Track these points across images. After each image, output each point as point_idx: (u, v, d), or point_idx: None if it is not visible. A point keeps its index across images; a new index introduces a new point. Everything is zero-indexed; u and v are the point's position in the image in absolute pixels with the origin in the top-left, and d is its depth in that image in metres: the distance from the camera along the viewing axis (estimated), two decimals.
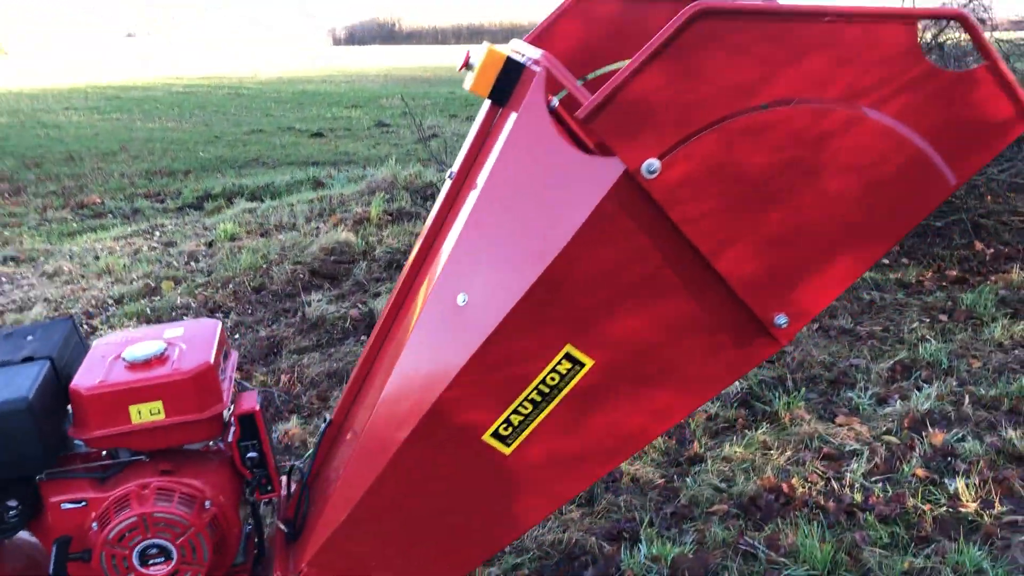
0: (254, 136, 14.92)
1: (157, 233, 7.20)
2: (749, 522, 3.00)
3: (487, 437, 1.61)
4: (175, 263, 6.15)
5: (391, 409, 1.65)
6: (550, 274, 1.47)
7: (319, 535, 1.69)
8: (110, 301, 5.42)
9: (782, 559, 2.76)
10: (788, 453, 3.41)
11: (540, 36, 1.94)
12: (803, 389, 3.94)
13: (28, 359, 1.65)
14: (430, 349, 1.63)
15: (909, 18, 1.43)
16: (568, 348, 1.55)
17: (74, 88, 28.57)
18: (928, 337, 4.50)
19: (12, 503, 1.59)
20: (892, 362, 4.22)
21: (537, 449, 1.63)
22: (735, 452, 3.41)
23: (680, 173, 1.41)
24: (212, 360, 1.64)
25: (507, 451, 1.62)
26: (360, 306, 5.14)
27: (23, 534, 1.74)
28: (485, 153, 1.74)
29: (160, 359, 1.64)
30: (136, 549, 1.59)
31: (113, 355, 1.67)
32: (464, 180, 1.80)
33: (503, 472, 1.64)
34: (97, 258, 6.26)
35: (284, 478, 1.96)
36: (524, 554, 2.84)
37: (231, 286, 5.55)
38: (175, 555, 1.60)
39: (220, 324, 1.83)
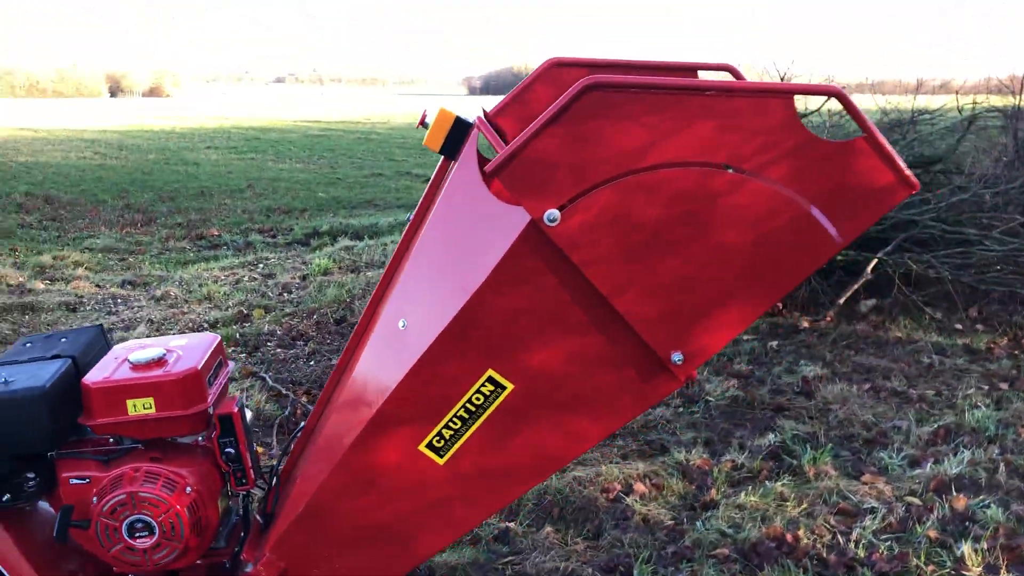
0: (372, 179, 15.66)
1: (261, 265, 7.75)
2: (746, 567, 3.08)
3: (423, 447, 1.83)
4: (270, 293, 6.64)
5: (341, 416, 1.90)
6: (471, 306, 1.70)
7: (279, 526, 1.95)
8: (205, 324, 5.91)
9: None
10: (803, 506, 3.46)
11: (515, 98, 2.18)
12: (831, 445, 3.97)
13: (56, 356, 1.98)
14: (375, 366, 1.88)
15: (786, 93, 1.60)
16: (490, 372, 1.76)
17: (219, 128, 30.55)
18: (980, 404, 4.43)
19: (30, 475, 1.91)
20: (936, 426, 4.20)
21: (467, 461, 1.84)
22: (750, 500, 3.49)
23: (579, 222, 1.62)
24: (199, 367, 1.93)
25: (441, 462, 1.84)
26: None
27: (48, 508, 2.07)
28: (435, 200, 1.99)
29: (158, 363, 1.94)
30: (125, 522, 1.88)
31: (123, 358, 1.98)
32: (419, 222, 2.05)
33: (438, 481, 1.86)
34: (201, 285, 6.81)
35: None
36: None
37: (315, 316, 5.96)
38: (157, 530, 1.88)
39: (219, 338, 2.12)
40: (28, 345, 2.09)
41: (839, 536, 3.25)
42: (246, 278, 7.18)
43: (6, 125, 31.36)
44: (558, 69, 2.19)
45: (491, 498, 1.89)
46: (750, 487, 3.62)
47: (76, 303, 6.56)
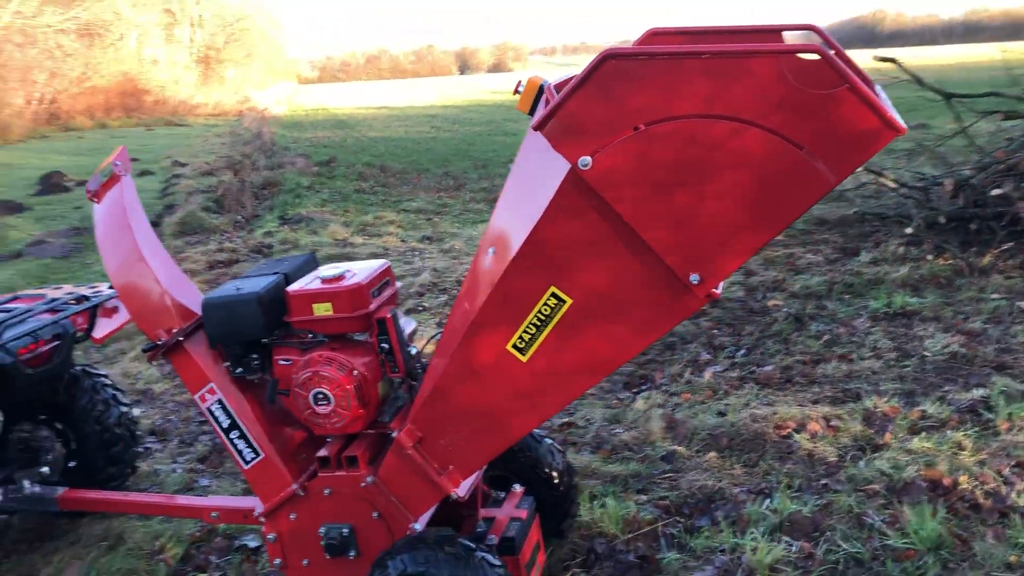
0: None
1: None
2: (887, 503, 3.22)
3: (509, 347, 2.33)
4: None
5: (457, 320, 2.46)
6: (533, 234, 2.17)
7: (416, 404, 2.56)
8: None
9: (889, 531, 3.00)
10: (978, 456, 3.47)
11: None
12: None
13: (275, 273, 2.73)
14: (477, 283, 2.41)
15: (772, 54, 1.89)
16: (553, 288, 2.22)
17: None
18: None
19: (255, 356, 2.68)
20: None
21: (542, 360, 2.31)
22: (922, 446, 3.56)
23: (606, 166, 2.03)
24: (365, 283, 2.58)
25: (523, 359, 2.33)
26: None
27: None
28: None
29: (338, 278, 2.61)
30: (311, 393, 2.58)
31: (318, 275, 2.68)
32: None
33: (521, 375, 2.35)
34: (476, 240, 7.71)
35: None
36: (675, 490, 3.41)
37: None
38: (332, 400, 2.56)
39: (387, 264, 2.76)
40: (263, 265, 2.88)
41: (1003, 486, 3.26)
42: None
43: (369, 104, 35.43)
44: (657, 37, 2.56)
45: (561, 392, 2.35)
46: (927, 434, 3.67)
47: (382, 254, 7.74)
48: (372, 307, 2.60)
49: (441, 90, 49.30)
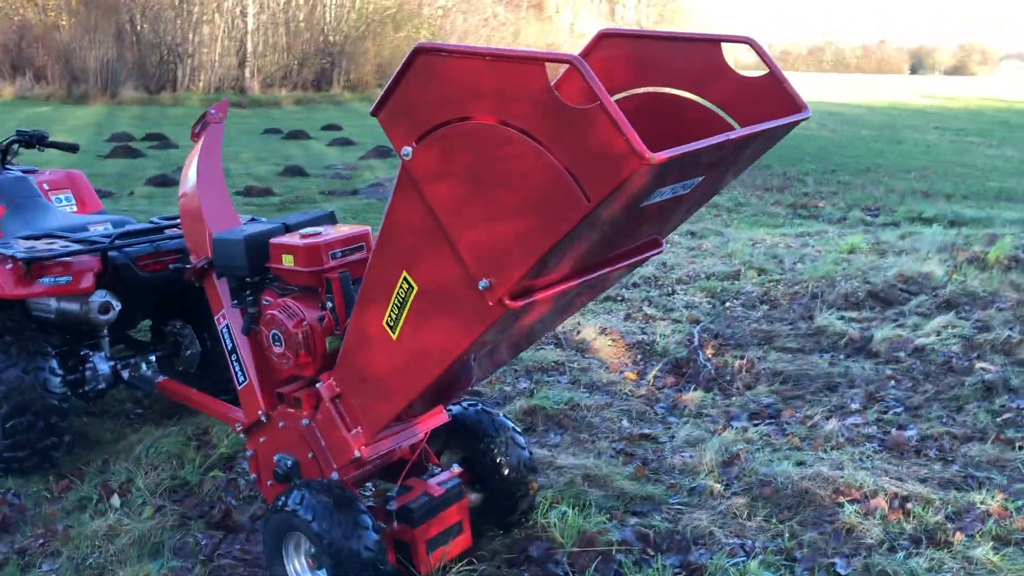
0: None
1: (813, 237, 7.94)
2: None
3: (384, 323, 2.43)
4: (778, 257, 6.93)
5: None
6: (386, 220, 2.25)
7: (336, 363, 2.74)
8: (701, 275, 6.57)
9: None
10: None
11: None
12: None
13: (280, 223, 3.04)
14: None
15: (539, 61, 1.78)
16: (404, 273, 2.28)
17: (977, 109, 28.91)
18: None
19: (248, 292, 3.02)
20: None
21: (406, 340, 2.38)
22: (990, 560, 2.96)
23: (420, 158, 2.05)
24: (323, 242, 2.79)
25: (394, 336, 2.42)
26: (862, 328, 5.27)
27: None
28: None
29: (311, 236, 2.86)
30: (270, 332, 2.87)
31: (306, 231, 2.95)
32: None
33: (394, 351, 2.43)
34: (728, 242, 7.41)
35: None
36: (669, 522, 3.21)
37: (795, 288, 6.14)
38: (282, 344, 2.83)
39: (367, 230, 2.93)
40: (289, 216, 3.22)
41: None
42: (781, 245, 7.52)
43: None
44: (605, 39, 2.43)
45: (421, 374, 2.39)
46: (1014, 550, 3.02)
47: None
48: (327, 266, 2.82)
49: (879, 87, 46.25)
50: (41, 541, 3.11)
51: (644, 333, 5.50)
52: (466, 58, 1.91)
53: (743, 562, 2.92)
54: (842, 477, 3.45)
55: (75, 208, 4.62)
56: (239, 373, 3.07)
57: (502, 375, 4.72)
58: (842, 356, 5.04)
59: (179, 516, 3.24)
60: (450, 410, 3.09)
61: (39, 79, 20.88)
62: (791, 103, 2.17)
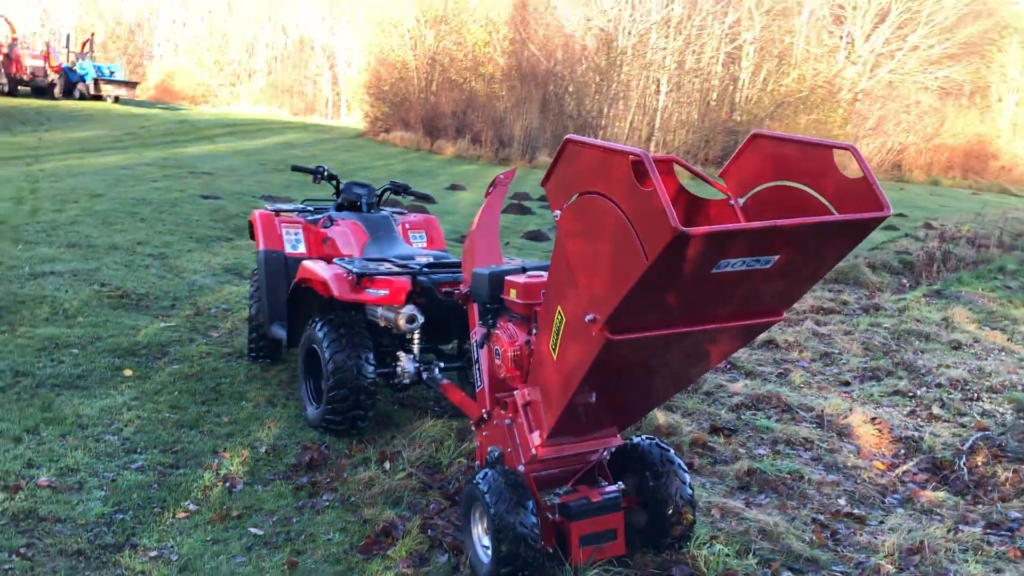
0: None
1: None
2: None
3: (549, 346, 3.10)
4: None
5: None
6: (550, 268, 2.95)
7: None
8: (1020, 386, 6.22)
9: None
10: None
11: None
12: None
13: (519, 263, 3.83)
14: None
15: (624, 154, 2.37)
16: (559, 307, 2.95)
17: None
18: None
19: (489, 316, 3.84)
20: None
21: (559, 360, 3.03)
22: None
23: (564, 219, 2.74)
24: (538, 281, 3.52)
25: (554, 357, 3.08)
26: None
27: None
28: None
29: (534, 276, 3.60)
30: (495, 348, 3.65)
31: (529, 272, 3.70)
32: None
33: (553, 369, 3.09)
34: None
35: None
36: None
37: None
38: (499, 357, 3.60)
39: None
40: (532, 261, 3.99)
41: None
42: None
43: None
44: (757, 140, 2.90)
45: (567, 387, 3.01)
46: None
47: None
48: (538, 300, 3.57)
49: None
50: (328, 480, 4.20)
51: (917, 430, 5.45)
52: (588, 148, 2.57)
53: None
54: None
55: (424, 244, 5.87)
56: (477, 379, 3.89)
57: (737, 438, 5.07)
58: None
59: (422, 483, 4.15)
60: (631, 439, 3.65)
61: (475, 142, 24.26)
62: (877, 203, 2.49)
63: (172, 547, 3.51)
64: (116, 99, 29.64)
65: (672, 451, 3.62)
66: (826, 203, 2.65)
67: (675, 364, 3.04)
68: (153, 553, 3.45)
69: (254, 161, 18.48)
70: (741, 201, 2.95)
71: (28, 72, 28.32)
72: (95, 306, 6.75)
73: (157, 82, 43.67)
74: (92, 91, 28.92)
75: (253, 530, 3.71)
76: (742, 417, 5.45)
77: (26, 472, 4.00)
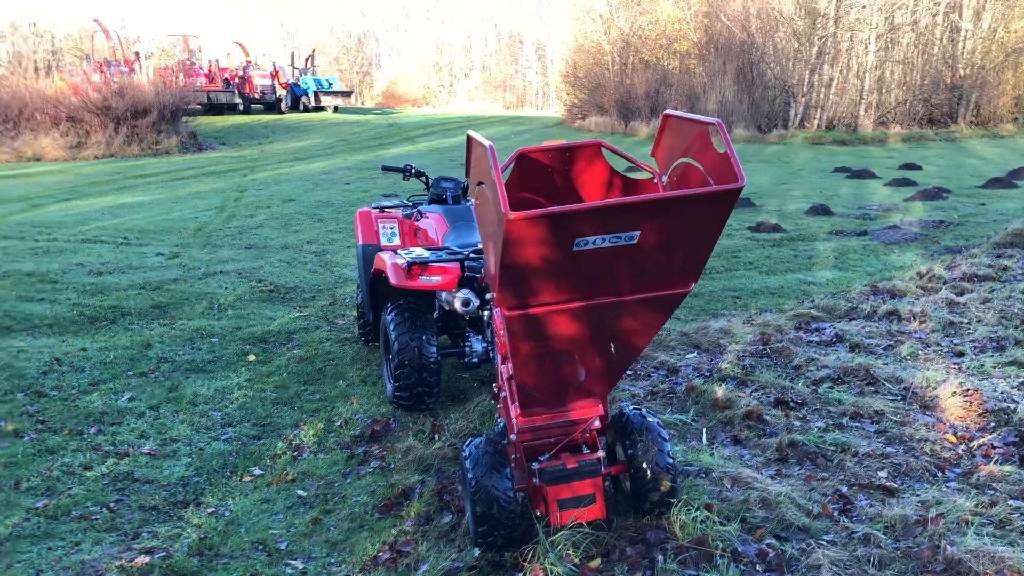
0: None
1: None
2: None
3: None
4: None
5: None
6: None
7: None
8: None
9: None
10: None
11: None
12: None
13: None
14: None
15: (484, 147, 2.60)
16: None
17: None
18: None
19: None
20: None
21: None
22: None
23: (477, 208, 3.00)
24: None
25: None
26: None
27: None
28: None
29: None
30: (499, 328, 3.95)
31: None
32: None
33: (501, 344, 3.36)
34: None
35: None
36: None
37: None
38: (497, 335, 3.89)
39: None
40: None
41: None
42: None
43: None
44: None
45: (512, 366, 3.27)
46: None
47: None
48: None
49: None
50: (379, 449, 4.68)
51: (1016, 402, 5.11)
52: (478, 145, 2.82)
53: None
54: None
55: None
56: (495, 356, 4.21)
57: (800, 411, 5.01)
58: None
59: (456, 452, 4.52)
60: (621, 409, 3.83)
61: None
62: (733, 175, 2.56)
63: (228, 505, 4.11)
64: (335, 108, 32.10)
65: (655, 419, 3.76)
66: (708, 176, 2.74)
67: (601, 337, 3.19)
68: (211, 510, 4.07)
69: (446, 158, 19.52)
70: (664, 179, 3.08)
71: (259, 91, 31.31)
72: (246, 300, 7.67)
73: (383, 88, 46.63)
74: (314, 103, 31.51)
75: (299, 492, 4.25)
76: (818, 391, 5.35)
77: (136, 442, 4.78)
